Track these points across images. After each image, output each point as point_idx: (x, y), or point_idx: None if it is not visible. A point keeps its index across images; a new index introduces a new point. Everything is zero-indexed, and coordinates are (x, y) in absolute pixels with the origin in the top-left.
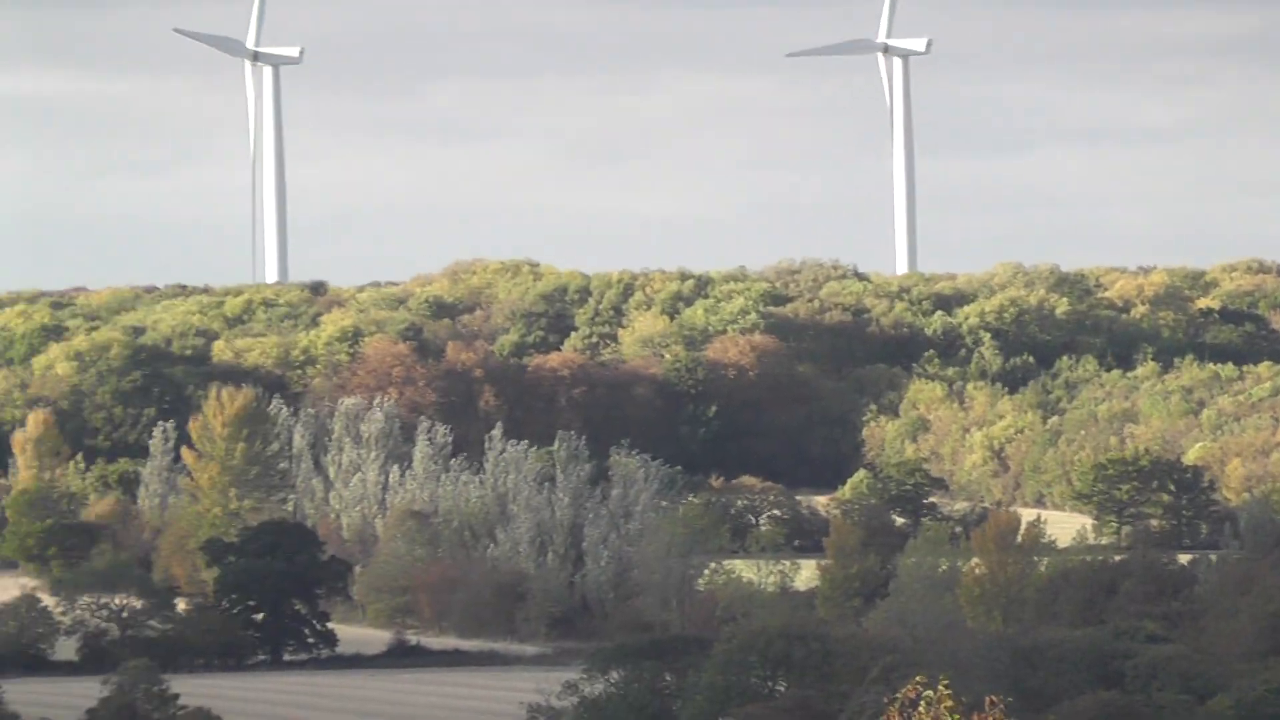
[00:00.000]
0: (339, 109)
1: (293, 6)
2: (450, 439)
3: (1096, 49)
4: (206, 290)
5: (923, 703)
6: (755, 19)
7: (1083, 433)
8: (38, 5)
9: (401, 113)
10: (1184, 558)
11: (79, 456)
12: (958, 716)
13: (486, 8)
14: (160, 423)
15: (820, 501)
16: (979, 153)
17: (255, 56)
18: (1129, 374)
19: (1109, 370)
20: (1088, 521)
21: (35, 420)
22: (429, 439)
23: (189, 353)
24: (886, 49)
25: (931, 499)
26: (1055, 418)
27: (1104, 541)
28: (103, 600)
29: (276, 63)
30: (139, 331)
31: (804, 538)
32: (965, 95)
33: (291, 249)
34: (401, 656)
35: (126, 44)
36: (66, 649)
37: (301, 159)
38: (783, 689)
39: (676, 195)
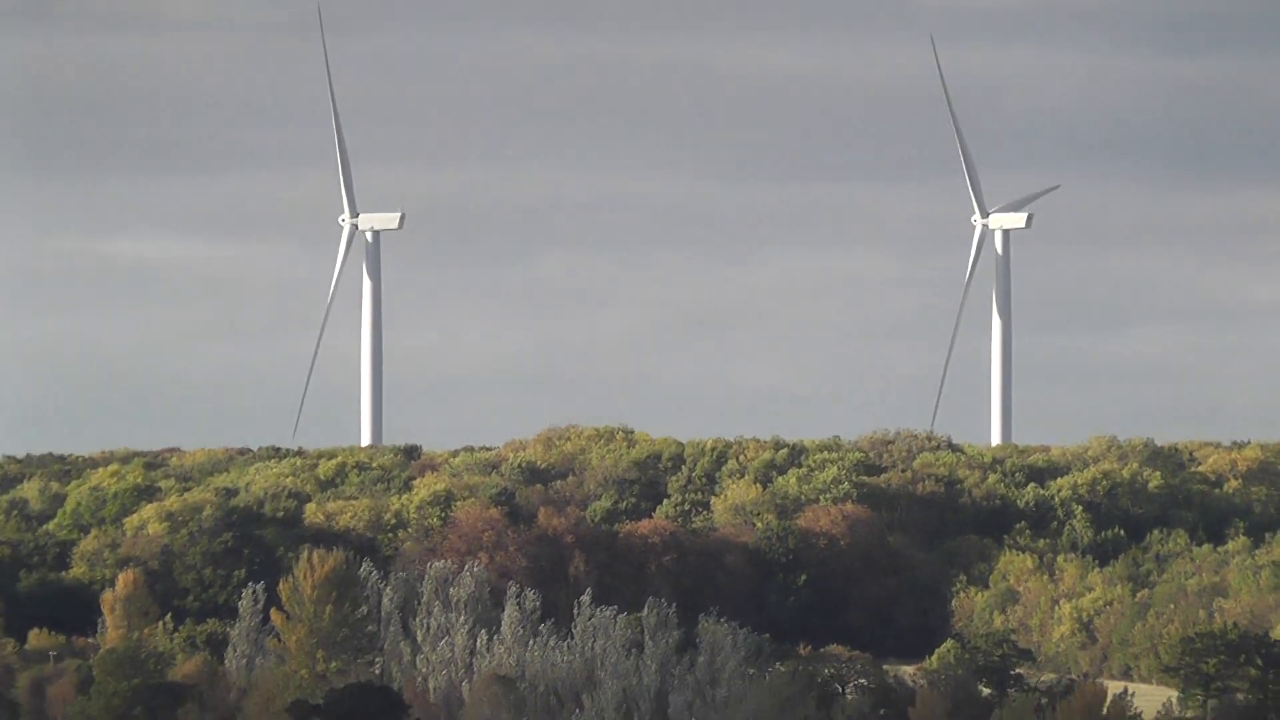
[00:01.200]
0: (440, 275)
1: (396, 174)
2: (539, 604)
3: (1196, 226)
4: (300, 453)
5: None
6: (857, 193)
7: (1171, 606)
8: (148, 170)
9: (502, 280)
10: None
11: (168, 617)
12: None
13: (592, 179)
14: (250, 584)
15: (907, 671)
16: (1076, 326)
17: (355, 223)
18: (1219, 548)
19: (1200, 544)
20: (1174, 695)
21: (125, 580)
22: (518, 604)
23: (281, 515)
24: (986, 223)
25: (1018, 670)
26: (1145, 590)
27: (1189, 715)
28: None
29: (378, 227)
30: (231, 493)
31: (890, 708)
32: (1065, 269)
33: (386, 413)
34: None
35: (233, 209)
36: None
37: (399, 324)
38: None
39: (773, 365)
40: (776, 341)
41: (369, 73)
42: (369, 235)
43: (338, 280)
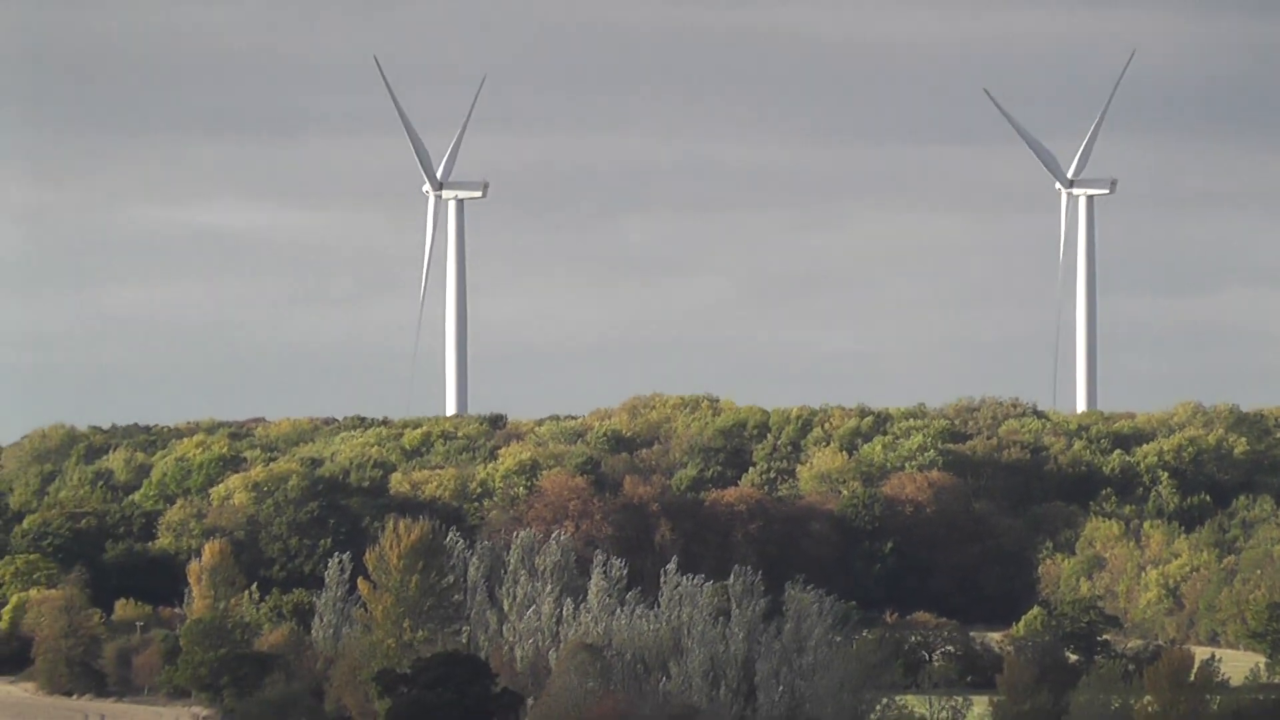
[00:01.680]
0: (525, 244)
1: (482, 142)
2: (625, 572)
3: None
4: (385, 422)
5: None
6: (946, 158)
7: (1258, 572)
8: (232, 139)
9: (590, 248)
10: None
11: (254, 586)
12: None
13: (682, 145)
14: (336, 554)
15: (994, 638)
16: (1161, 292)
17: (440, 190)
18: None
19: None
20: (1261, 660)
21: (211, 550)
22: (604, 572)
23: (366, 484)
24: (1072, 186)
25: (1105, 636)
26: (1231, 556)
27: (1277, 680)
28: None
29: (461, 197)
30: (317, 463)
31: (977, 674)
32: (1150, 234)
33: (471, 382)
34: None
35: (322, 177)
36: None
37: (485, 292)
38: None
39: (860, 331)
40: (862, 307)
41: (447, 38)
42: (453, 205)
43: (430, 251)
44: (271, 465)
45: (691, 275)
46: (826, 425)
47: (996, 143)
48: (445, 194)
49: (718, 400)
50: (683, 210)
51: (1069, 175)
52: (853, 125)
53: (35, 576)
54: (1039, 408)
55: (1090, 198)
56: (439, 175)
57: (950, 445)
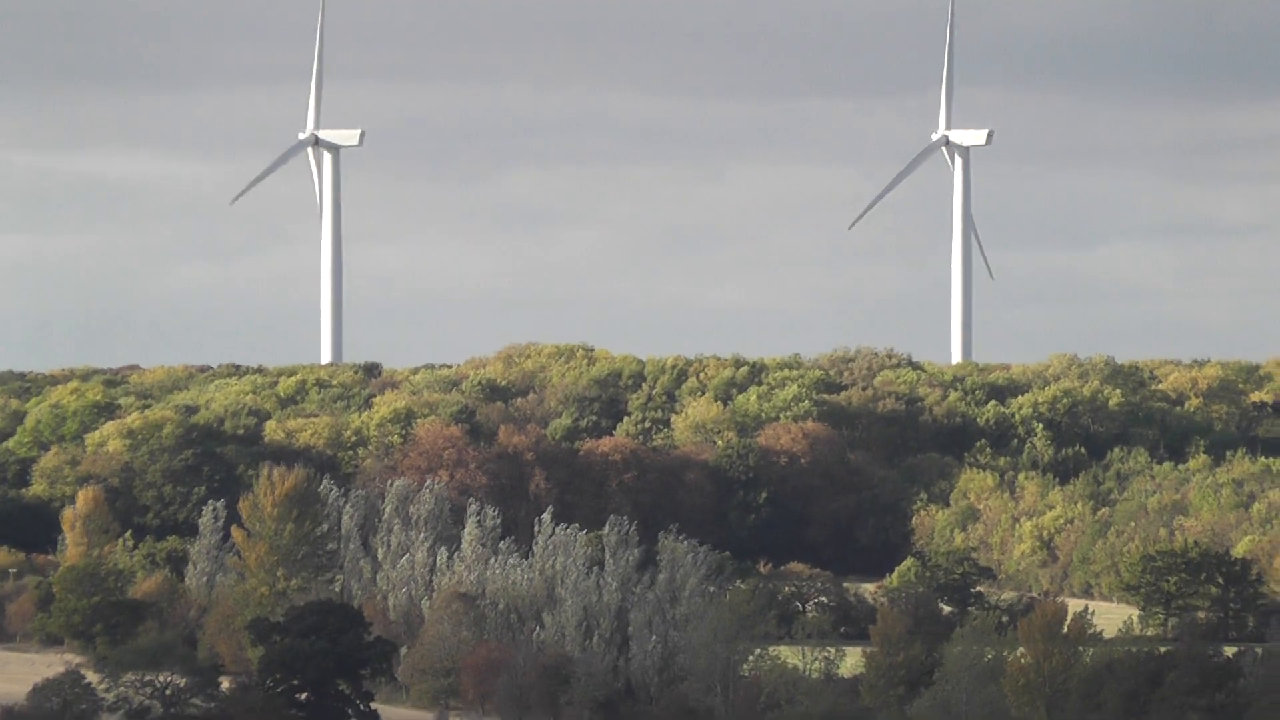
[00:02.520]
0: (404, 194)
1: (359, 91)
2: (500, 522)
3: (1163, 144)
4: (260, 370)
5: None
6: (826, 112)
7: (1132, 524)
8: (125, 89)
9: (469, 199)
10: (1230, 650)
11: (128, 534)
12: None
13: (563, 97)
14: (210, 501)
15: (868, 589)
16: (1037, 246)
17: (316, 140)
18: (1180, 466)
19: (1161, 463)
20: (1134, 613)
21: (85, 497)
22: (478, 521)
23: (241, 432)
24: (947, 142)
25: (979, 588)
26: (1105, 509)
27: (1150, 633)
28: (147, 678)
29: (337, 147)
30: (191, 410)
31: (850, 625)
32: (1027, 189)
33: (347, 330)
34: None
35: (206, 128)
36: None
37: (363, 241)
38: None
39: (738, 285)
40: (740, 261)
41: None
42: (328, 152)
43: (318, 198)
44: (146, 413)
45: (571, 228)
46: (702, 375)
47: (873, 95)
48: (322, 136)
49: (593, 350)
50: (564, 163)
51: (944, 126)
52: (735, 79)
53: None
54: (914, 359)
55: (966, 149)
56: (314, 126)
57: (825, 396)
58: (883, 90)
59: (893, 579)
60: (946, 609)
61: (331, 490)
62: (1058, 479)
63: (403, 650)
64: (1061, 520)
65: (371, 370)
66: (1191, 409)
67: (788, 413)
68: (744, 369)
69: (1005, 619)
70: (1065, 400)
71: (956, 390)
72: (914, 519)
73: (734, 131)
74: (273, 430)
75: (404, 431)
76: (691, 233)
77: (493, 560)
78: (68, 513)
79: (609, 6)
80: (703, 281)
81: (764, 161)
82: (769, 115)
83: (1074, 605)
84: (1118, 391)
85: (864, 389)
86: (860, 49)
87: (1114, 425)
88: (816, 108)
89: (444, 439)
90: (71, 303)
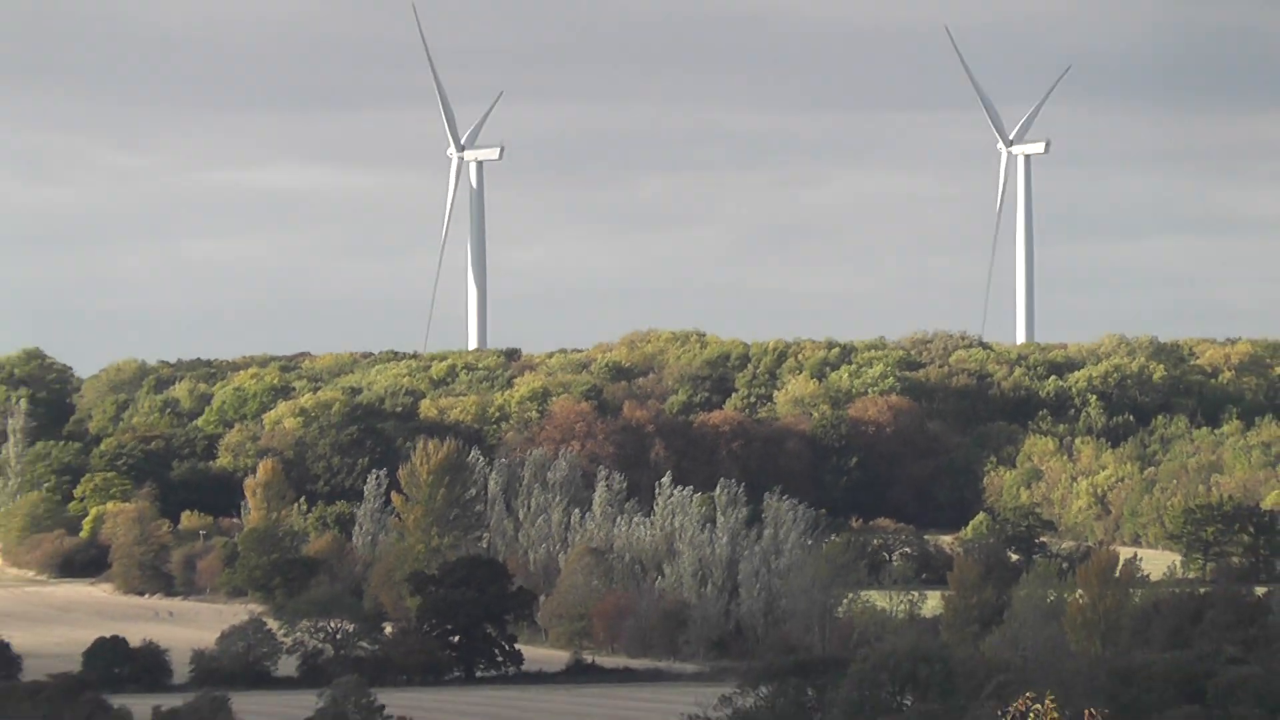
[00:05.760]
0: (543, 199)
1: (508, 109)
2: (625, 485)
3: (1200, 149)
4: (415, 356)
5: (1031, 715)
6: (909, 124)
7: (1174, 482)
8: (295, 108)
9: (598, 204)
10: (1261, 590)
11: (302, 500)
12: None
13: (684, 112)
14: (373, 471)
15: (945, 540)
16: (1090, 240)
17: (462, 152)
18: (1216, 431)
19: (1198, 428)
20: (1177, 559)
21: (265, 468)
22: (607, 485)
23: (399, 410)
24: (1010, 145)
25: (1042, 539)
26: (1151, 469)
27: (1191, 576)
28: (319, 624)
29: (480, 158)
30: (356, 392)
31: (931, 572)
32: (1081, 190)
33: (490, 320)
34: (579, 674)
35: (367, 144)
36: (288, 666)
37: (506, 242)
38: (909, 704)
39: (831, 276)
40: (833, 255)
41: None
42: (474, 166)
43: (451, 206)
44: (317, 394)
45: (688, 227)
46: (799, 356)
47: (949, 109)
48: (467, 155)
49: (704, 335)
50: (683, 170)
51: (1009, 136)
52: (829, 96)
53: (112, 492)
54: (984, 340)
55: (1028, 157)
56: (462, 140)
57: (907, 373)
58: (958, 105)
59: (967, 531)
60: (1014, 557)
61: (478, 460)
62: (1109, 443)
63: (541, 598)
64: (1113, 479)
65: (512, 355)
66: (1225, 381)
67: (874, 388)
68: (836, 350)
69: (1065, 565)
70: (1115, 375)
71: (1021, 367)
72: (985, 479)
73: (830, 142)
74: (426, 408)
75: (541, 408)
76: (792, 230)
77: (619, 519)
78: (249, 482)
79: (726, 32)
80: (800, 273)
81: (855, 167)
82: (859, 127)
83: (1124, 553)
84: (1161, 366)
85: (940, 366)
86: (938, 71)
87: (1158, 396)
88: (900, 121)
89: (575, 414)
90: (251, 298)
